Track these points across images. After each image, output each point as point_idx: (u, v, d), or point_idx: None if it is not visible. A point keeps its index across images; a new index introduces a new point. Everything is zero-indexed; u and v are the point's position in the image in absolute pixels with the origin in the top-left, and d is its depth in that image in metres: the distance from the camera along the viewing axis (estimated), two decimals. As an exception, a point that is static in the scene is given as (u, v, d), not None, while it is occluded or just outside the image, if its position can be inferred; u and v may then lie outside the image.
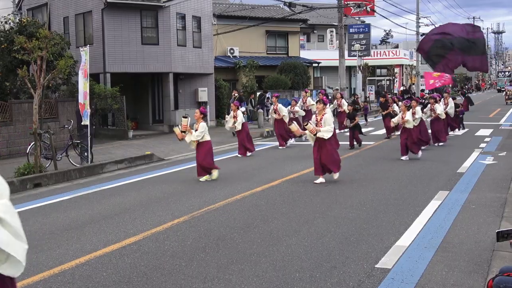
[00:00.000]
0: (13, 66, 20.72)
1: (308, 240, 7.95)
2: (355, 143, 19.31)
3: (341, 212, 9.68)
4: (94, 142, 17.10)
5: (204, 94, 30.33)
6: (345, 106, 23.77)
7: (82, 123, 16.14)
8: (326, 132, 12.44)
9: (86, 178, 14.70)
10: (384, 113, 22.89)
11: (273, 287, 6.16)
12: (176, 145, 20.76)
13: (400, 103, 19.41)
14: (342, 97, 25.88)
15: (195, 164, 16.06)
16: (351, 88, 53.51)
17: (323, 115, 12.62)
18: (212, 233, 8.47)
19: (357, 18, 51.79)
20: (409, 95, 40.96)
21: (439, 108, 19.42)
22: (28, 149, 15.64)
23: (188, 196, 11.44)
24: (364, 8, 41.57)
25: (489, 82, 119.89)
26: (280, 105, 20.25)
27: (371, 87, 50.75)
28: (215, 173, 13.43)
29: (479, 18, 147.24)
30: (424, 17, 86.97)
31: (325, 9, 43.82)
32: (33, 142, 14.58)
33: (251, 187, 12.07)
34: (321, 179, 12.59)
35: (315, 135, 12.48)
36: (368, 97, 43.62)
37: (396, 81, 58.01)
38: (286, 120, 19.78)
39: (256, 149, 18.32)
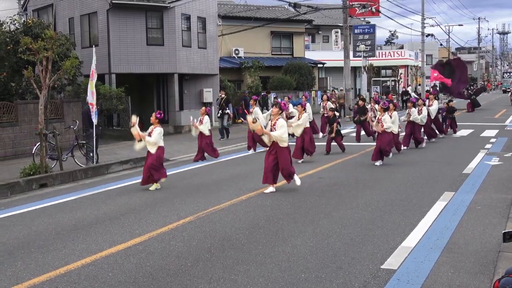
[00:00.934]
0: (18, 66, 20.78)
1: (313, 240, 7.95)
2: (332, 149, 17.98)
3: (346, 212, 9.67)
4: (99, 143, 17.13)
5: (209, 94, 30.36)
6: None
7: (95, 123, 16.20)
8: (280, 134, 11.57)
9: (91, 178, 14.73)
10: (362, 118, 21.00)
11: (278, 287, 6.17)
12: (181, 146, 20.82)
13: (377, 106, 18.91)
14: (328, 100, 24.32)
15: (201, 165, 16.14)
16: (356, 89, 53.46)
17: (277, 120, 11.73)
18: (217, 233, 8.47)
19: (362, 19, 51.67)
20: (408, 97, 40.79)
21: (414, 112, 18.87)
22: (34, 149, 15.67)
23: (193, 197, 11.44)
24: (369, 8, 41.52)
25: (495, 83, 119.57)
26: (256, 109, 19.13)
27: (376, 87, 50.67)
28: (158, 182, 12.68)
29: (484, 18, 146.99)
30: (429, 18, 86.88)
31: (330, 9, 43.79)
32: (39, 143, 14.61)
33: (256, 188, 12.06)
34: (271, 188, 11.71)
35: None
36: (373, 97, 43.50)
37: (401, 82, 57.88)
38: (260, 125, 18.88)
39: (258, 150, 18.33)
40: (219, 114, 23.93)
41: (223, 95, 24.68)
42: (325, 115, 22.76)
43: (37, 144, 15.27)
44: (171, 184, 13.20)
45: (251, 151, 18.75)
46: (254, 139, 18.07)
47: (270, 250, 7.53)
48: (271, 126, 11.84)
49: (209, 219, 9.44)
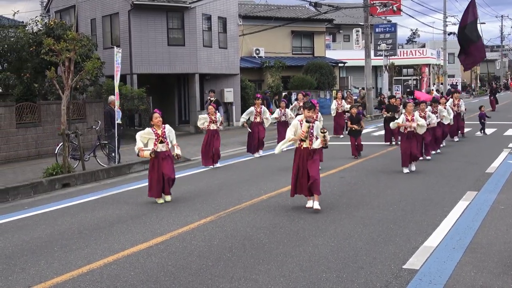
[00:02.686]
0: (41, 67, 20.98)
1: (334, 240, 7.93)
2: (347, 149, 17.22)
3: (367, 212, 9.63)
4: (121, 143, 17.24)
5: (230, 94, 30.43)
6: (345, 107, 22.41)
7: (118, 122, 16.34)
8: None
9: (113, 178, 14.83)
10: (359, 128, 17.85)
11: (300, 287, 6.16)
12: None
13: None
14: (342, 98, 23.91)
15: (220, 165, 16.14)
16: (377, 88, 53.21)
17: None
18: (238, 233, 8.49)
19: (383, 18, 51.42)
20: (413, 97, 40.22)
21: (443, 112, 17.58)
22: (57, 149, 15.82)
23: (214, 196, 11.47)
24: (391, 7, 41.27)
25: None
26: (263, 108, 18.41)
27: (398, 87, 50.39)
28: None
29: (507, 16, 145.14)
30: (451, 16, 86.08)
31: (351, 8, 43.66)
32: (61, 143, 14.75)
33: (277, 187, 12.06)
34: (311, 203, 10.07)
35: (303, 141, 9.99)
36: (395, 96, 43.23)
37: (425, 80, 57.51)
38: (266, 124, 18.28)
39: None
40: None
41: (212, 97, 22.43)
42: (346, 114, 22.60)
43: (59, 144, 15.41)
44: (191, 183, 13.25)
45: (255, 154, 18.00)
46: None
47: (291, 249, 7.53)
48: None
49: (230, 218, 9.46)
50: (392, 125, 14.45)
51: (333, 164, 15.34)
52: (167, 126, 11.29)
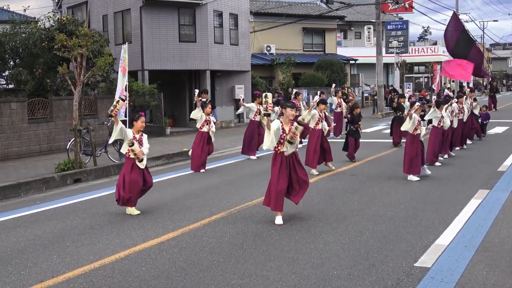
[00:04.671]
0: (53, 63, 21.06)
1: (346, 237, 7.92)
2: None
3: (379, 210, 9.61)
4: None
5: (241, 91, 30.38)
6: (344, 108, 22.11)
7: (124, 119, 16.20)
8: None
9: (124, 174, 14.84)
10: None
11: (310, 284, 6.16)
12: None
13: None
14: (345, 96, 23.38)
15: (231, 161, 16.16)
16: (388, 86, 53.04)
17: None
18: (249, 229, 8.49)
19: (395, 15, 51.21)
20: (396, 93, 39.55)
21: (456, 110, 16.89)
22: (68, 145, 15.88)
23: (225, 193, 11.48)
24: (402, 4, 41.11)
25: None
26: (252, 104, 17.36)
27: (409, 84, 50.19)
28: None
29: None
30: (463, 14, 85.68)
31: (362, 6, 43.52)
32: (73, 139, 14.79)
33: (288, 184, 12.03)
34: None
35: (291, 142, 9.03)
36: (404, 96, 43.05)
37: (437, 80, 57.25)
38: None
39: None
40: None
41: (203, 98, 17.17)
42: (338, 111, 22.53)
43: (71, 140, 15.46)
44: (202, 180, 13.27)
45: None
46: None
47: (302, 246, 7.53)
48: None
49: (241, 215, 9.46)
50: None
51: (345, 162, 15.30)
52: (145, 134, 10.16)
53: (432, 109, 14.47)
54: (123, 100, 10.03)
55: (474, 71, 21.84)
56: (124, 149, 9.94)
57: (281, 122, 8.95)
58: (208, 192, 11.64)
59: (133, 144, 9.74)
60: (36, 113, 18.99)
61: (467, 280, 6.17)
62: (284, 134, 8.88)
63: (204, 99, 16.28)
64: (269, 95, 8.83)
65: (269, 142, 8.83)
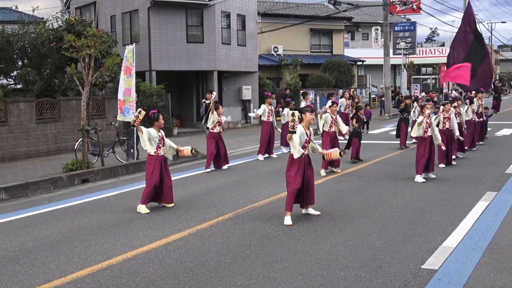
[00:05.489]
0: (61, 63, 21.13)
1: (353, 239, 7.92)
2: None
3: (386, 211, 9.60)
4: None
5: (248, 92, 30.45)
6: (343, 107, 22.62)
7: (118, 118, 16.13)
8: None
9: (132, 174, 14.89)
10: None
11: (317, 286, 6.16)
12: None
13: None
14: (351, 98, 23.61)
15: (239, 162, 16.20)
16: (396, 87, 52.96)
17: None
18: (256, 230, 8.50)
19: (403, 16, 51.13)
20: (396, 96, 39.33)
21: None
22: (76, 145, 15.94)
23: (232, 193, 11.50)
24: (410, 5, 41.04)
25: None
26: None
27: (416, 85, 50.11)
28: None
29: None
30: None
31: (370, 7, 43.45)
32: (81, 139, 14.84)
33: (295, 186, 12.03)
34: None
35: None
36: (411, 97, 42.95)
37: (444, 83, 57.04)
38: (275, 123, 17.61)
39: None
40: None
41: (207, 100, 17.25)
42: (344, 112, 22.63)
43: (79, 140, 15.52)
44: (209, 181, 13.29)
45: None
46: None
47: (309, 248, 7.53)
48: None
49: (248, 216, 9.47)
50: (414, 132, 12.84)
51: (351, 163, 15.30)
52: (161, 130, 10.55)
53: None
54: (145, 111, 10.30)
55: (480, 83, 21.06)
56: (152, 150, 10.28)
57: (303, 127, 9.17)
58: (215, 193, 11.66)
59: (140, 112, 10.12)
60: (44, 113, 19.07)
61: (474, 283, 6.16)
62: (308, 138, 9.11)
63: (208, 101, 16.59)
64: (296, 113, 8.94)
65: (296, 151, 9.04)
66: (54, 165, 15.75)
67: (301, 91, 22.39)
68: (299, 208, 9.50)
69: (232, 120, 27.95)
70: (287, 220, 8.90)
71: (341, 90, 23.26)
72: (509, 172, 13.41)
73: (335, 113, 14.35)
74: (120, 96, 16.06)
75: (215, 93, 15.67)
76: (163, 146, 10.44)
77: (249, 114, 17.46)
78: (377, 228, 8.47)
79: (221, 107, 15.37)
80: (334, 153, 9.72)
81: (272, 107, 17.64)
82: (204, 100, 16.95)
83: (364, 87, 43.96)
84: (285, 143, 17.96)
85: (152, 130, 10.28)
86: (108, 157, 15.90)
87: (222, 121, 15.11)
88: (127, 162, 15.86)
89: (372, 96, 45.13)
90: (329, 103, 14.89)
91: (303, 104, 18.43)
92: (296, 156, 9.07)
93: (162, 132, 10.55)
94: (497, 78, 58.71)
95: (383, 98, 36.34)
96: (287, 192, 9.18)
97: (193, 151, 10.72)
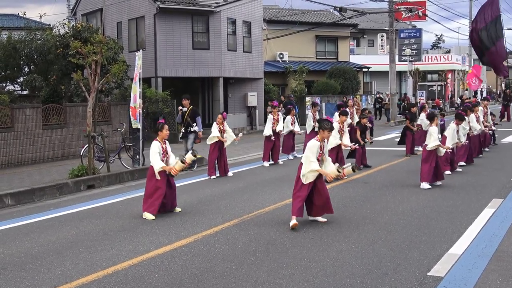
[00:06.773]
0: (68, 70, 21.22)
1: (358, 246, 7.90)
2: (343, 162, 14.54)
3: (392, 218, 9.59)
4: (145, 145, 17.33)
5: (254, 98, 30.48)
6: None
7: (133, 126, 16.29)
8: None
9: (137, 180, 14.90)
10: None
11: (323, 293, 6.16)
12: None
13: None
14: (353, 106, 22.15)
15: (244, 168, 16.20)
16: (401, 94, 52.91)
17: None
18: (262, 237, 8.50)
19: (408, 23, 51.13)
20: (380, 104, 39.36)
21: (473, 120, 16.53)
22: (82, 151, 15.98)
23: (238, 200, 11.50)
24: (416, 12, 41.03)
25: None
26: (280, 115, 17.86)
27: (422, 92, 50.04)
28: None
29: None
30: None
31: (375, 14, 43.47)
32: (87, 145, 14.88)
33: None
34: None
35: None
36: (419, 102, 42.97)
37: (448, 87, 56.98)
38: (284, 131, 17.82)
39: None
40: (182, 133, 16.84)
41: (184, 108, 16.60)
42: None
43: (85, 146, 15.56)
44: (214, 187, 13.30)
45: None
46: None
47: (315, 254, 7.52)
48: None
49: (254, 222, 9.47)
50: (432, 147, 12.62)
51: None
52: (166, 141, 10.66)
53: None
54: (183, 162, 10.35)
55: (491, 62, 21.54)
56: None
57: (317, 141, 9.23)
58: (221, 199, 11.66)
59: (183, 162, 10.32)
60: (50, 119, 19.12)
61: (480, 290, 6.14)
62: (321, 152, 9.23)
63: (184, 109, 16.49)
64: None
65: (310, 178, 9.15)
66: (60, 171, 15.78)
67: (311, 101, 22.25)
68: (305, 215, 9.48)
69: (238, 126, 27.97)
70: (293, 221, 8.97)
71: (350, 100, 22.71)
72: (515, 179, 13.38)
73: (343, 123, 14.49)
74: (132, 103, 16.13)
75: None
76: (166, 159, 10.44)
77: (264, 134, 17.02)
78: (383, 235, 8.46)
79: (220, 115, 15.49)
80: (347, 170, 9.55)
81: (280, 114, 17.75)
82: (180, 107, 16.71)
83: (369, 94, 43.93)
84: (286, 151, 18.20)
85: (157, 144, 10.35)
86: (114, 163, 15.93)
87: (224, 128, 15.21)
88: (132, 168, 15.89)
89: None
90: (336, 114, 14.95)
91: (309, 113, 18.45)
92: (305, 182, 9.12)
93: (167, 144, 10.60)
94: (509, 86, 58.45)
95: (387, 104, 36.26)
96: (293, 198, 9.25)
97: (194, 154, 10.96)
